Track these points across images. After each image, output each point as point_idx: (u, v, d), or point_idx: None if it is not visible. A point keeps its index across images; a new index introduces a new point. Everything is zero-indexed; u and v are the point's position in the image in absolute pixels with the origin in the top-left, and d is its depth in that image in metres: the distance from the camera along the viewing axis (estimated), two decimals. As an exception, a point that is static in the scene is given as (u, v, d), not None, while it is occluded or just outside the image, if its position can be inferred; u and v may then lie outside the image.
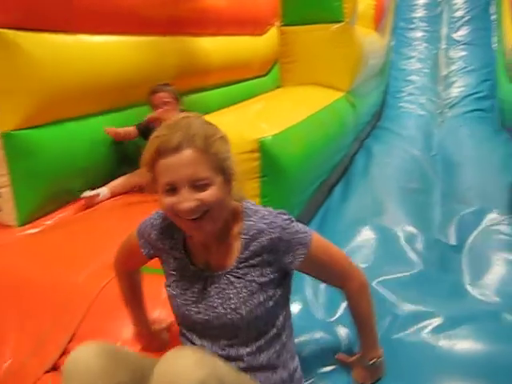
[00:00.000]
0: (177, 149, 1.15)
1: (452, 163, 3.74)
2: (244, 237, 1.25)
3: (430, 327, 1.68)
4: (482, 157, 3.84)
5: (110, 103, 3.14)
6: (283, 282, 1.31)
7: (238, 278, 1.26)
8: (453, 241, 2.48)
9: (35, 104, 2.57)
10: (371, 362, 1.47)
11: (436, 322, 1.70)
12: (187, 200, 1.15)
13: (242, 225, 1.26)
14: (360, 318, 1.44)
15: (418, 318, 1.73)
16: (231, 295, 1.26)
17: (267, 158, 2.08)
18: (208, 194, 1.16)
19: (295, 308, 1.79)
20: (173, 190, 1.16)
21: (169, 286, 1.36)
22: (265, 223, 1.25)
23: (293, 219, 1.28)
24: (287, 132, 2.31)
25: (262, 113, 2.65)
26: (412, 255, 2.27)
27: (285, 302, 1.35)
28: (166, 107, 3.10)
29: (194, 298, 1.30)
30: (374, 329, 1.46)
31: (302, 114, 2.64)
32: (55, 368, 1.64)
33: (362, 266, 2.08)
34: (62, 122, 2.78)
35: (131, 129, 3.13)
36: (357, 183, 3.13)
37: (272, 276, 1.27)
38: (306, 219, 2.59)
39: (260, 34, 5.36)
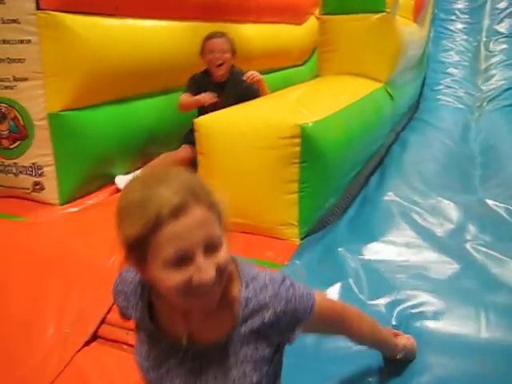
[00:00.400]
0: (183, 208, 0.88)
1: (491, 156, 3.70)
2: (242, 310, 1.02)
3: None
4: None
5: (153, 87, 3.21)
6: (276, 355, 1.10)
7: (229, 354, 1.03)
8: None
9: (82, 86, 2.65)
10: (398, 356, 1.48)
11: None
12: (209, 267, 0.90)
13: (239, 292, 1.02)
14: (367, 342, 1.39)
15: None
16: (217, 374, 1.03)
17: (308, 143, 2.10)
18: (223, 256, 0.93)
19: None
20: (184, 260, 0.89)
21: (139, 354, 1.12)
22: (268, 296, 1.02)
23: (293, 283, 1.06)
24: (327, 119, 2.33)
25: (303, 100, 2.69)
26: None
27: (276, 378, 1.13)
28: (222, 55, 2.98)
29: (169, 374, 1.07)
30: (383, 340, 1.41)
31: (342, 103, 2.65)
32: (95, 337, 1.71)
33: (394, 258, 2.08)
34: (107, 105, 2.86)
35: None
36: (392, 174, 3.12)
37: (267, 351, 1.06)
38: (342, 207, 2.61)
39: (299, 23, 5.36)
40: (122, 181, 2.85)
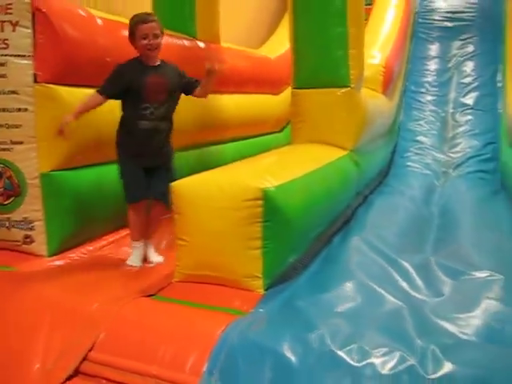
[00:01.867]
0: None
1: (448, 220, 4.00)
2: None
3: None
4: (480, 217, 4.08)
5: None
6: None
7: None
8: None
9: (70, 149, 2.96)
10: None
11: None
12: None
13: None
14: None
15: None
16: None
17: (270, 205, 2.40)
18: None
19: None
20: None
21: None
22: None
23: None
24: (290, 184, 2.63)
25: (271, 165, 2.99)
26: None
27: None
28: (156, 40, 2.85)
29: None
30: None
31: (306, 168, 2.96)
32: (77, 373, 1.93)
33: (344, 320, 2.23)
34: (92, 167, 3.16)
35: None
36: (355, 235, 3.40)
37: None
38: (305, 263, 2.87)
39: (277, 93, 5.78)
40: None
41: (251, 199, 2.38)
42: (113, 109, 2.90)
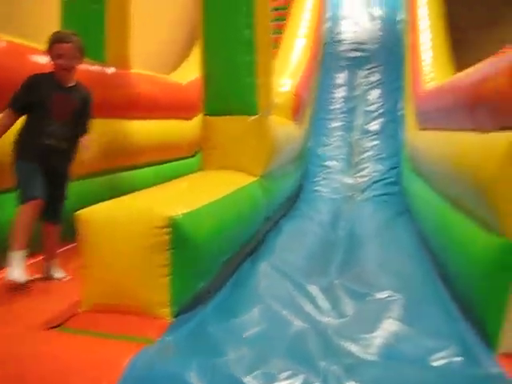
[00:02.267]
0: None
1: (353, 243, 4.16)
2: None
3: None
4: (384, 239, 4.27)
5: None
6: None
7: None
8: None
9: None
10: None
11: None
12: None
13: None
14: None
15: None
16: None
17: (177, 233, 2.40)
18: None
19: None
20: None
21: None
22: None
23: None
24: (198, 211, 2.64)
25: (179, 193, 2.99)
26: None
27: None
28: (71, 61, 2.86)
29: None
30: None
31: (216, 195, 2.99)
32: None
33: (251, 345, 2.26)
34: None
35: None
36: (264, 260, 3.47)
37: None
38: (214, 290, 2.89)
39: (189, 118, 5.80)
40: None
41: (159, 227, 2.37)
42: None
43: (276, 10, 9.52)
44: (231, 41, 3.86)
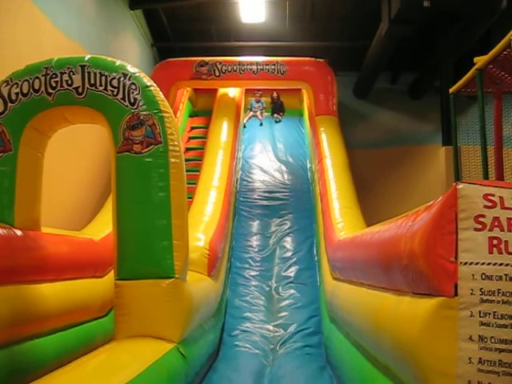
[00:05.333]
0: None
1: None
2: None
3: None
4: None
5: None
6: None
7: None
8: None
9: None
10: None
11: None
12: None
13: None
14: None
15: None
16: None
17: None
18: None
19: None
20: None
21: None
22: None
23: None
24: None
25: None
26: None
27: None
28: None
29: None
30: None
31: (127, 377, 2.73)
32: None
33: None
34: None
35: None
36: None
37: None
38: None
39: (101, 276, 5.57)
40: None
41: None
42: None
43: (187, 161, 9.84)
44: (145, 203, 3.83)
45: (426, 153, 11.70)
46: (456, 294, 2.05)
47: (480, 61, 6.64)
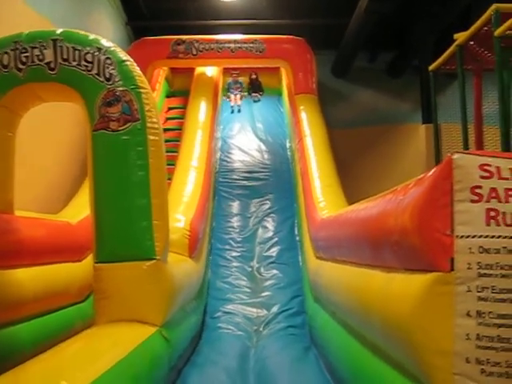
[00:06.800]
0: None
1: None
2: None
3: None
4: (293, 381, 4.03)
5: None
6: None
7: None
8: None
9: None
10: None
11: None
12: None
13: None
14: None
15: None
16: None
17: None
18: None
19: None
20: None
21: None
22: None
23: None
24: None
25: (59, 367, 2.55)
26: None
27: None
28: None
29: None
30: None
31: (107, 363, 2.60)
32: None
33: None
34: None
35: None
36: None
37: None
38: None
39: (79, 260, 5.41)
40: None
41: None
42: None
43: (166, 141, 9.64)
44: (123, 182, 3.68)
45: (406, 131, 11.67)
46: (452, 269, 1.98)
47: (460, 37, 6.56)
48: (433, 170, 2.17)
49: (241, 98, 10.70)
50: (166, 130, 9.96)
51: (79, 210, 5.88)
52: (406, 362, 2.36)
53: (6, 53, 3.81)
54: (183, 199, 6.19)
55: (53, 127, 7.10)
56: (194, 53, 9.36)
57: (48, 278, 4.68)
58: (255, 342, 5.33)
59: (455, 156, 2.02)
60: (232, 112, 10.43)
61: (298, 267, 6.90)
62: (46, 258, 4.74)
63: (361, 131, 11.76)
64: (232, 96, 10.69)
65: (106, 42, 3.84)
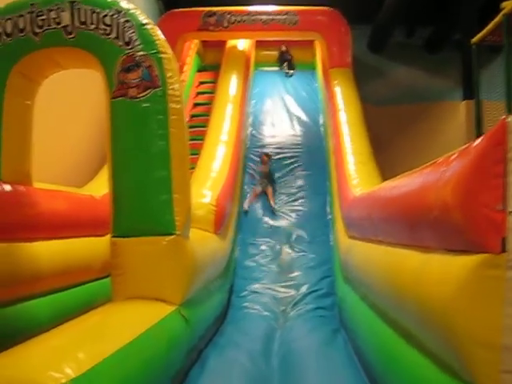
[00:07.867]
0: None
1: (290, 373, 3.67)
2: None
3: None
4: (321, 365, 3.81)
5: None
6: None
7: None
8: None
9: None
10: None
11: None
12: None
13: None
14: None
15: None
16: None
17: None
18: None
19: None
20: None
21: None
22: None
23: None
24: (97, 368, 2.11)
25: (74, 343, 2.39)
26: None
27: None
28: None
29: None
30: None
31: (122, 340, 2.46)
32: None
33: None
34: None
35: None
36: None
37: None
38: None
39: (103, 235, 5.27)
40: None
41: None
42: None
43: (194, 116, 9.44)
44: (143, 153, 3.48)
45: (444, 109, 11.18)
46: (504, 250, 1.70)
47: (508, 5, 6.14)
48: (481, 137, 1.89)
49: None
50: (196, 104, 9.79)
51: (105, 184, 5.72)
52: (443, 352, 2.10)
53: (22, 16, 3.63)
54: (211, 174, 5.97)
55: (81, 97, 6.94)
56: (226, 25, 9.06)
57: (70, 252, 4.55)
58: (282, 324, 5.12)
59: (510, 118, 1.73)
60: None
61: (329, 246, 6.64)
62: (67, 232, 4.60)
63: (397, 109, 11.33)
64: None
65: (125, 4, 3.61)
